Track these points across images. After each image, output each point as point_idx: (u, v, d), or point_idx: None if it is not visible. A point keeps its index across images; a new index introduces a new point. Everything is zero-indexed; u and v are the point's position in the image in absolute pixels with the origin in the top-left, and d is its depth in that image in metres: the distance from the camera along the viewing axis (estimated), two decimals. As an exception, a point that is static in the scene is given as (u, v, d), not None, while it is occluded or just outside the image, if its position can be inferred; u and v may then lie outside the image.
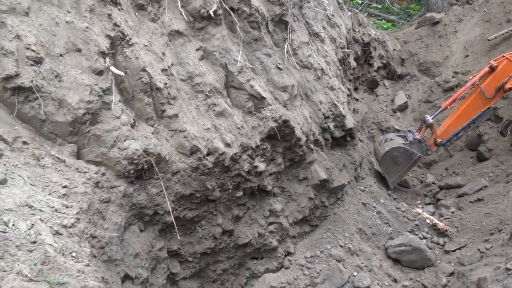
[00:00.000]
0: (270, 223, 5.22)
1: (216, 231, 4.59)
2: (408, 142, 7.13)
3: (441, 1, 11.61)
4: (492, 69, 6.62)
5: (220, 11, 4.21)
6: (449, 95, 9.19)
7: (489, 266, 5.36)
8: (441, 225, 6.76)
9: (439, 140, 7.07)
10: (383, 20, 13.20)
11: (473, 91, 6.93)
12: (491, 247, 5.96)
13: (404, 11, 14.34)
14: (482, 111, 6.84)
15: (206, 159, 4.07)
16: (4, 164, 2.76)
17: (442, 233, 6.71)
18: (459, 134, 7.06)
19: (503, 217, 6.35)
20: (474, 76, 7.01)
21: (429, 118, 7.09)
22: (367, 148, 7.83)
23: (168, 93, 3.78)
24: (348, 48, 6.99)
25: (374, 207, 6.77)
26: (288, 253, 5.60)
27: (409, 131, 7.43)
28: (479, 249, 6.04)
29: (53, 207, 2.76)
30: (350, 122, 6.21)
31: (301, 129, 5.18)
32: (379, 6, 14.20)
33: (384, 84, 9.65)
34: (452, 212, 7.18)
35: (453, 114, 7.16)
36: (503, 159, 7.85)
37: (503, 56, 6.63)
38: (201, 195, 4.21)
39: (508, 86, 6.52)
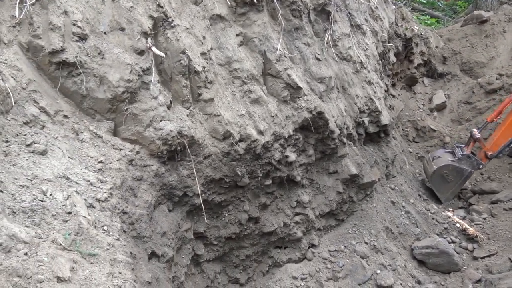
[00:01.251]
0: (296, 214, 5.21)
1: (242, 217, 4.62)
2: (456, 158, 7.08)
3: (491, -2, 11.10)
4: None
5: (263, -3, 4.17)
6: (491, 97, 8.84)
7: (520, 277, 5.20)
8: (471, 230, 6.58)
9: (490, 153, 6.90)
10: (427, 16, 12.76)
11: None
12: (525, 257, 5.77)
13: (450, 8, 13.81)
14: None
15: (238, 145, 4.08)
16: (45, 136, 2.86)
17: (471, 238, 6.53)
18: (511, 145, 6.82)
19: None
20: None
21: (476, 132, 6.98)
22: (400, 146, 7.66)
23: (206, 77, 3.80)
24: (389, 43, 6.81)
25: (403, 206, 6.64)
26: (312, 245, 5.59)
27: (457, 146, 7.33)
28: (510, 258, 5.85)
29: (89, 181, 2.85)
30: (385, 118, 6.08)
31: (335, 122, 5.11)
32: (424, 1, 13.74)
33: (423, 82, 9.36)
34: (484, 218, 6.96)
35: (501, 126, 6.92)
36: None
37: None
38: (230, 181, 4.24)
39: None
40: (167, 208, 3.79)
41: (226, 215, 4.52)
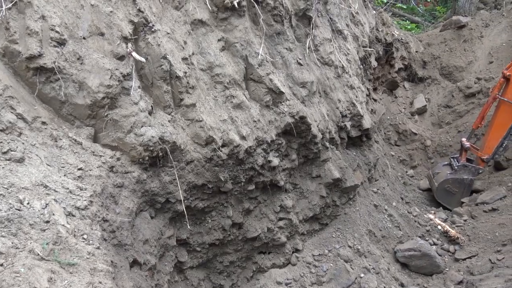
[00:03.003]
0: (280, 219, 5.20)
1: (225, 223, 4.60)
2: (454, 170, 7.33)
3: (468, 4, 11.36)
4: (506, 78, 6.55)
5: (244, 3, 4.17)
6: (470, 101, 9.02)
7: (500, 277, 5.28)
8: (452, 232, 6.67)
9: (485, 157, 7.14)
10: (407, 21, 12.98)
11: (498, 103, 6.85)
12: (503, 258, 5.86)
13: (430, 13, 14.08)
14: None
15: (221, 151, 4.06)
16: (23, 143, 2.80)
17: (453, 240, 6.62)
18: (504, 145, 7.00)
19: (517, 229, 6.25)
20: (493, 90, 6.97)
21: (466, 142, 7.20)
22: (382, 150, 7.75)
23: (187, 82, 3.77)
24: (370, 47, 6.89)
25: (385, 209, 6.70)
26: (296, 250, 5.59)
27: (452, 157, 7.57)
28: (490, 260, 5.95)
29: (68, 188, 2.79)
30: (367, 122, 6.13)
31: (317, 126, 5.13)
32: (404, 6, 13.97)
33: (404, 86, 9.51)
34: (465, 220, 7.07)
35: (489, 129, 7.12)
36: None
37: None
38: (213, 186, 4.21)
39: None
40: (149, 215, 3.75)
41: (210, 221, 4.49)
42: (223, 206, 4.52)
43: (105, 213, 2.99)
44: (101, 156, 3.21)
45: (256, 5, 4.30)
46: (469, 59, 9.64)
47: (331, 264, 5.61)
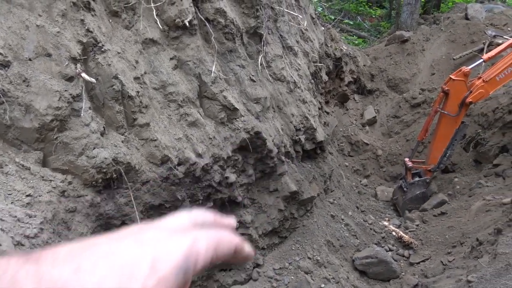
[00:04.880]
0: (240, 235, 5.19)
1: (184, 242, 4.53)
2: (405, 192, 7.73)
3: (410, 20, 12.02)
4: (445, 92, 6.93)
5: (195, 21, 4.21)
6: (416, 111, 9.50)
7: (451, 278, 5.51)
8: (406, 237, 6.92)
9: (431, 167, 7.53)
10: (354, 36, 13.54)
11: (439, 116, 7.22)
12: (454, 259, 6.13)
13: (375, 28, 14.76)
14: (457, 128, 7.14)
15: (177, 169, 4.02)
16: (-36, 171, 2.65)
17: (407, 245, 6.87)
18: (447, 154, 7.39)
19: (465, 231, 6.56)
20: (434, 104, 7.38)
21: (408, 163, 7.59)
22: (336, 161, 7.96)
23: (140, 102, 3.73)
24: (320, 62, 7.11)
25: (342, 219, 6.86)
26: (257, 265, 5.59)
27: (400, 179, 7.95)
28: (442, 262, 6.21)
29: (16, 217, 2.66)
30: (320, 135, 6.30)
31: (272, 141, 5.21)
32: (351, 22, 14.57)
33: (354, 98, 9.87)
34: (417, 225, 7.36)
35: (432, 141, 7.50)
36: (466, 173, 8.14)
37: (450, 78, 6.93)
38: (170, 206, 4.15)
39: (469, 100, 6.80)
40: (104, 239, 3.63)
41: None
42: (181, 225, 4.45)
43: (57, 240, 2.88)
44: (51, 180, 3.09)
45: (207, 24, 4.35)
46: (413, 71, 10.18)
47: (292, 277, 5.66)
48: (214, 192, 4.64)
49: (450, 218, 7.18)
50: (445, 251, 6.48)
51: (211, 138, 4.42)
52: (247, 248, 0.65)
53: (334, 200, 7.02)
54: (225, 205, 4.95)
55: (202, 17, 4.28)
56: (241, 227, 5.20)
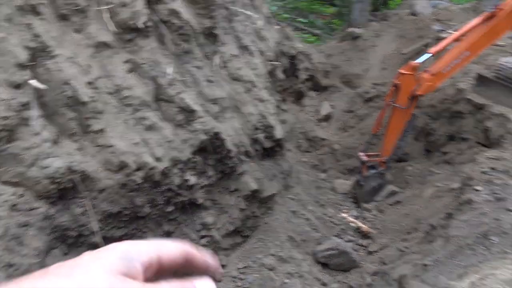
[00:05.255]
0: (202, 237, 5.17)
1: (146, 248, 4.45)
2: (362, 187, 7.87)
3: (361, 17, 12.36)
4: (396, 86, 7.16)
5: (149, 23, 4.13)
6: (370, 105, 9.79)
7: (408, 263, 5.74)
8: (364, 227, 7.14)
9: (385, 158, 7.70)
10: (308, 34, 13.75)
11: (392, 110, 7.44)
12: (410, 245, 6.40)
13: (328, 26, 15.06)
14: (408, 120, 7.40)
15: (135, 175, 3.94)
16: None
17: (365, 235, 7.09)
18: (400, 146, 7.65)
19: (419, 217, 6.84)
20: (386, 98, 7.61)
21: (362, 157, 7.74)
22: (295, 157, 8.08)
23: (94, 107, 3.62)
24: (276, 61, 7.17)
25: (303, 214, 6.98)
26: (221, 266, 5.58)
27: (358, 174, 8.05)
28: (399, 248, 6.45)
29: (-37, 235, 2.52)
30: (279, 132, 6.37)
31: (232, 141, 5.22)
32: (305, 21, 14.78)
33: (310, 95, 10.03)
34: (374, 215, 7.60)
35: (385, 133, 7.70)
36: (418, 162, 8.49)
37: (399, 72, 7.17)
38: (130, 212, 4.07)
39: (418, 93, 7.08)
40: (62, 252, 3.50)
41: (129, 249, 4.31)
42: (142, 232, 4.37)
43: (9, 257, 2.75)
44: (0, 194, 2.95)
45: (161, 25, 4.27)
46: (365, 66, 10.49)
47: (256, 275, 5.70)
48: (174, 196, 4.59)
49: (405, 206, 7.47)
50: (401, 238, 6.74)
51: (169, 141, 4.36)
52: (205, 256, 0.62)
53: (294, 196, 7.12)
54: (186, 208, 4.91)
55: (156, 19, 4.20)
56: (203, 229, 5.17)
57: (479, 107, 7.73)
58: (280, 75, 7.79)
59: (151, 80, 4.25)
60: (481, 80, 8.05)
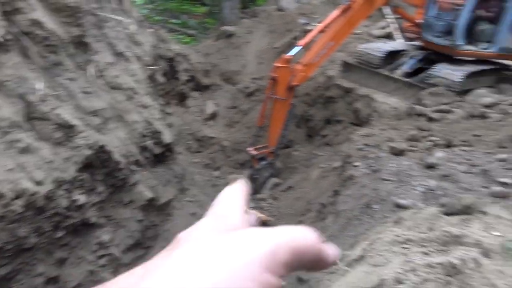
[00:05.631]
0: (100, 256, 4.89)
1: (38, 281, 4.06)
2: (256, 178, 8.06)
3: (231, 15, 12.69)
4: (274, 79, 7.57)
5: (9, 36, 3.73)
6: (251, 99, 10.15)
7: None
8: (263, 217, 7.39)
9: (271, 149, 8.04)
10: (183, 35, 13.69)
11: (273, 102, 7.80)
12: (306, 226, 6.83)
13: (201, 25, 15.16)
14: (288, 110, 7.83)
15: (14, 204, 3.56)
16: None
17: (265, 224, 7.35)
18: (284, 135, 8.04)
19: (309, 199, 7.32)
20: (266, 91, 7.98)
21: (251, 151, 8.02)
22: (187, 159, 8.05)
23: (-48, 136, 3.18)
24: (154, 65, 7.04)
25: (202, 214, 6.95)
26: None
27: (250, 168, 8.30)
28: (293, 231, 6.84)
29: None
30: (167, 137, 6.28)
31: (119, 152, 5.00)
32: (178, 22, 14.66)
33: (193, 96, 10.04)
34: (270, 203, 7.95)
35: (269, 126, 8.03)
36: (302, 147, 9.07)
37: (275, 66, 7.61)
38: (13, 246, 3.67)
39: (294, 83, 7.57)
40: None
41: (19, 286, 3.89)
42: (30, 265, 3.97)
43: None
44: None
45: (24, 37, 3.90)
46: (242, 63, 10.84)
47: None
48: (63, 220, 4.25)
49: (296, 191, 7.94)
50: (297, 220, 7.14)
51: (49, 162, 4.02)
52: (332, 250, 0.55)
53: (191, 198, 7.10)
54: (78, 230, 4.59)
55: (16, 31, 3.81)
56: (101, 248, 4.89)
57: (348, 91, 8.53)
58: (161, 78, 7.66)
59: (19, 98, 3.86)
60: (346, 66, 8.93)
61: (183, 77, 9.47)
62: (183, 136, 8.99)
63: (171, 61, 8.63)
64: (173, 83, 9.02)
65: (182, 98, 9.60)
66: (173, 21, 14.46)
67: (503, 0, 7.69)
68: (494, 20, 7.77)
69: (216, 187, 8.28)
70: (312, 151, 8.69)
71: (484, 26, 7.81)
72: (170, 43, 9.13)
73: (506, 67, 8.24)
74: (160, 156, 6.33)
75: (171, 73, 8.82)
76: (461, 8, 7.69)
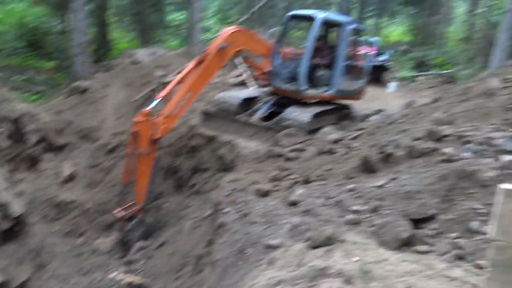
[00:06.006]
0: None
1: None
2: (131, 240, 7.78)
3: (83, 69, 12.19)
4: (134, 134, 7.41)
5: None
6: (113, 156, 9.67)
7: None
8: (135, 279, 6.97)
9: (141, 205, 7.73)
10: (30, 92, 12.59)
11: (136, 157, 7.55)
12: (183, 282, 6.58)
13: (50, 81, 14.17)
14: (153, 164, 7.64)
15: None
16: None
17: (139, 287, 6.92)
18: (151, 190, 7.83)
19: (184, 252, 7.11)
20: (127, 147, 7.76)
21: (117, 214, 7.66)
22: (44, 230, 7.22)
23: None
24: (-4, 129, 6.30)
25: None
26: None
27: (120, 230, 7.94)
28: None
29: None
30: (17, 208, 5.60)
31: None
32: (22, 78, 13.46)
33: (46, 158, 9.18)
34: (144, 263, 7.51)
35: (135, 182, 7.69)
36: (172, 199, 8.87)
37: (134, 121, 7.48)
38: None
39: (156, 136, 7.50)
40: None
41: None
42: None
43: None
44: None
45: None
46: (100, 118, 10.37)
47: None
48: None
49: (170, 245, 7.67)
50: (174, 277, 6.85)
51: None
52: None
53: (52, 273, 6.34)
54: None
55: None
56: None
57: (210, 139, 8.76)
58: (4, 143, 6.87)
59: None
60: (206, 115, 9.22)
61: (33, 138, 8.63)
62: (37, 204, 8.08)
63: (17, 122, 7.82)
64: (20, 146, 8.14)
65: (33, 162, 8.69)
66: (16, 77, 13.21)
67: (334, 49, 8.94)
68: (329, 67, 8.94)
69: (81, 256, 7.56)
70: (183, 202, 8.59)
71: (321, 72, 8.91)
72: (14, 102, 8.30)
73: (343, 106, 9.51)
74: (9, 231, 5.58)
75: (17, 135, 7.97)
76: (301, 57, 8.67)
